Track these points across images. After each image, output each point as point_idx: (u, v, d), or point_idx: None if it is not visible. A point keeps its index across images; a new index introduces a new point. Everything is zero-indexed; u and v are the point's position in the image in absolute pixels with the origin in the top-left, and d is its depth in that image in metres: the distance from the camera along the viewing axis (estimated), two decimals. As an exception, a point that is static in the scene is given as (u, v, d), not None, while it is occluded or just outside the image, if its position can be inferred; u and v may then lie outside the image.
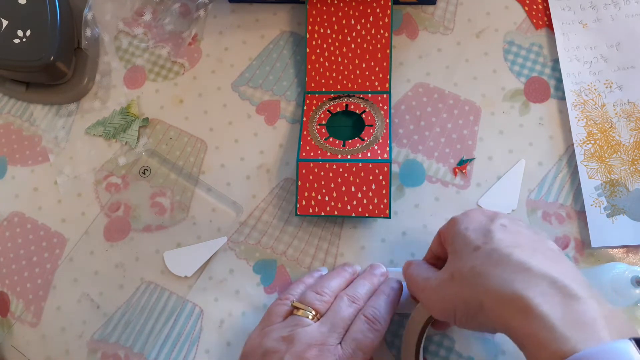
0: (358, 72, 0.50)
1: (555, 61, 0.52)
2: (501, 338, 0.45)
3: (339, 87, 0.50)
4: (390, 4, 0.51)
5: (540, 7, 0.54)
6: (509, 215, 0.38)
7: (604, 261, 0.46)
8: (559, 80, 0.51)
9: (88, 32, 0.54)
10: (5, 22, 0.50)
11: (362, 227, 0.48)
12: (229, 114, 0.53)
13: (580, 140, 0.49)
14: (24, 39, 0.50)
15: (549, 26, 0.53)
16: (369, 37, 0.51)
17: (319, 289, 0.41)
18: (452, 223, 0.38)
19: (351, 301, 0.40)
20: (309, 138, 0.48)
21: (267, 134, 0.52)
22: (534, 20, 0.53)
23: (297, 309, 0.40)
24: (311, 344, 0.37)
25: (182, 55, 0.55)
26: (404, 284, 0.43)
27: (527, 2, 0.54)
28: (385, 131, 0.48)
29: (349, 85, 0.50)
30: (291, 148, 0.51)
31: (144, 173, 0.52)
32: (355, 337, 0.38)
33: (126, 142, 0.53)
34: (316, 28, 0.51)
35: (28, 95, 0.54)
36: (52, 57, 0.49)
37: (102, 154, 0.53)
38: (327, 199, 0.46)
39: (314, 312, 0.40)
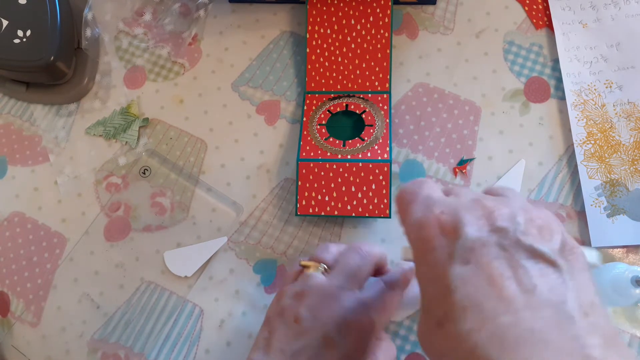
0: (358, 72, 0.50)
1: (555, 61, 0.52)
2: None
3: (339, 87, 0.50)
4: (390, 4, 0.51)
5: (540, 7, 0.54)
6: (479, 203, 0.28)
7: (604, 261, 0.46)
8: (559, 80, 0.51)
9: (88, 32, 0.54)
10: (5, 22, 0.50)
11: (362, 227, 0.48)
12: (229, 114, 0.53)
13: (580, 140, 0.49)
14: (24, 39, 0.50)
15: (549, 26, 0.53)
16: (369, 37, 0.51)
17: (325, 246, 0.41)
18: (403, 215, 0.31)
19: (363, 251, 0.39)
20: (309, 138, 0.48)
21: (267, 134, 0.52)
22: (534, 20, 0.53)
23: (306, 267, 0.39)
24: (325, 294, 0.36)
25: (182, 55, 0.55)
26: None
27: (527, 2, 0.54)
28: (385, 131, 0.48)
29: (349, 85, 0.50)
30: (291, 148, 0.51)
31: (144, 173, 0.52)
32: (375, 292, 0.38)
33: (126, 142, 0.53)
34: (316, 28, 0.51)
35: (28, 95, 0.54)
36: (52, 57, 0.49)
37: (102, 154, 0.53)
38: (327, 199, 0.46)
39: (324, 266, 0.39)
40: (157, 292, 0.49)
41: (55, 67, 0.50)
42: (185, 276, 0.48)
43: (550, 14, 0.53)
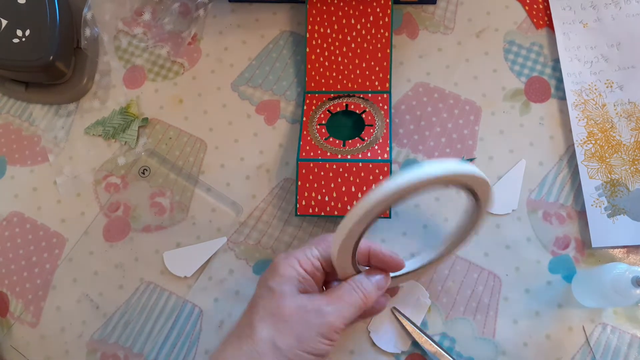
0: (358, 71, 0.50)
1: (556, 61, 0.51)
2: (501, 338, 0.45)
3: (339, 87, 0.50)
4: (390, 3, 0.50)
5: (541, 6, 0.53)
6: None
7: (605, 261, 0.46)
8: (560, 80, 0.51)
9: (87, 32, 0.54)
10: (4, 22, 0.50)
11: (362, 227, 0.48)
12: (229, 114, 0.53)
13: (581, 140, 0.48)
14: (24, 39, 0.49)
15: (550, 26, 0.53)
16: (369, 37, 0.51)
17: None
18: None
19: None
20: (308, 138, 0.48)
21: (267, 134, 0.52)
22: (535, 20, 0.53)
23: None
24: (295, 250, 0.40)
25: (182, 55, 0.55)
26: None
27: (528, 1, 0.54)
28: (385, 131, 0.48)
29: (349, 85, 0.50)
30: (291, 148, 0.51)
31: (144, 173, 0.52)
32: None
33: (125, 142, 0.53)
34: (316, 28, 0.51)
35: (27, 95, 0.54)
36: (51, 57, 0.49)
37: (101, 154, 0.53)
38: (327, 199, 0.46)
39: None
40: (157, 293, 0.48)
41: (55, 66, 0.50)
42: (185, 276, 0.48)
43: (550, 13, 0.53)
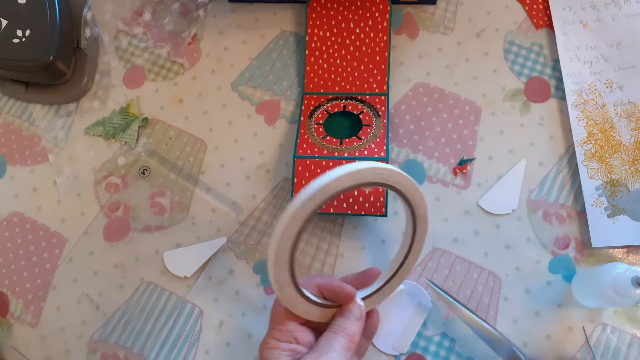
0: (356, 74, 0.50)
1: (556, 61, 0.51)
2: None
3: (337, 88, 0.50)
4: (389, 8, 0.51)
5: (541, 6, 0.53)
6: None
7: (605, 261, 0.46)
8: (560, 80, 0.51)
9: (87, 32, 0.54)
10: (4, 22, 0.50)
11: (362, 227, 0.48)
12: (229, 114, 0.53)
13: (581, 140, 0.48)
14: (24, 39, 0.50)
15: (550, 26, 0.53)
16: (367, 40, 0.51)
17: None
18: None
19: None
20: (306, 136, 0.48)
21: (267, 134, 0.52)
22: (535, 20, 0.53)
23: None
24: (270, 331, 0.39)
25: (182, 55, 0.55)
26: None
27: (528, 1, 0.54)
28: (382, 130, 0.48)
29: (348, 87, 0.50)
30: (291, 148, 0.51)
31: (144, 173, 0.52)
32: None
33: (125, 142, 0.53)
34: (316, 31, 0.51)
35: (27, 95, 0.54)
36: (51, 57, 0.49)
37: (101, 154, 0.53)
38: None
39: None
40: (157, 293, 0.48)
41: (55, 66, 0.50)
42: (185, 276, 0.48)
43: (550, 13, 0.53)
